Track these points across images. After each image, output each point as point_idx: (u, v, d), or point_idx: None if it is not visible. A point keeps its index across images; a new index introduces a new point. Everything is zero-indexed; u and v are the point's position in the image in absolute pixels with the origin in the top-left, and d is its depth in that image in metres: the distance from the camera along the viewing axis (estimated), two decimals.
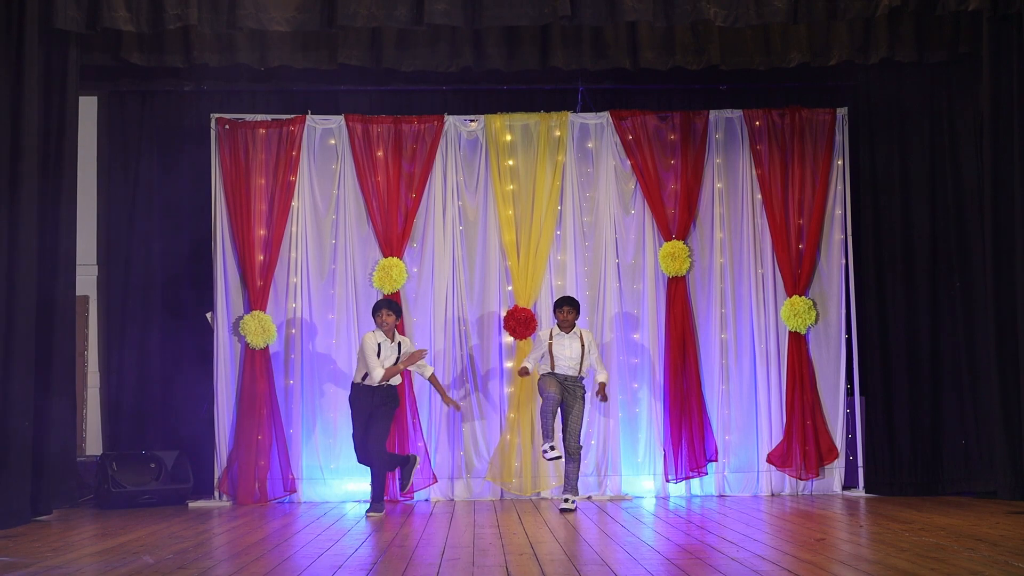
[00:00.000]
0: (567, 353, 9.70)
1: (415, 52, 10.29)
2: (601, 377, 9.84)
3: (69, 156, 9.79)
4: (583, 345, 9.72)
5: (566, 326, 9.76)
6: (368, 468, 9.63)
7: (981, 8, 9.36)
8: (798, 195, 10.70)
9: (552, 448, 9.49)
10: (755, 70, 10.54)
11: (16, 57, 9.11)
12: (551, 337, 9.77)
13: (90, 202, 11.09)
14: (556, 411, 9.64)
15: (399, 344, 9.69)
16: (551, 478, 10.46)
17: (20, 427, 8.94)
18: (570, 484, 9.64)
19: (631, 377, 10.68)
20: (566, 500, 9.52)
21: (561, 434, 9.77)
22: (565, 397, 9.67)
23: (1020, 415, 9.64)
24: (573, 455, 9.66)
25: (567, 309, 9.77)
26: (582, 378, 9.78)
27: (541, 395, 9.72)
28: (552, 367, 9.72)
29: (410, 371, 10.08)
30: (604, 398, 9.77)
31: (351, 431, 9.71)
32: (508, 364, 10.62)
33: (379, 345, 9.60)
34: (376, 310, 9.72)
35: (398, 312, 9.75)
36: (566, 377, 9.71)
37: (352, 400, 9.67)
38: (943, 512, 9.02)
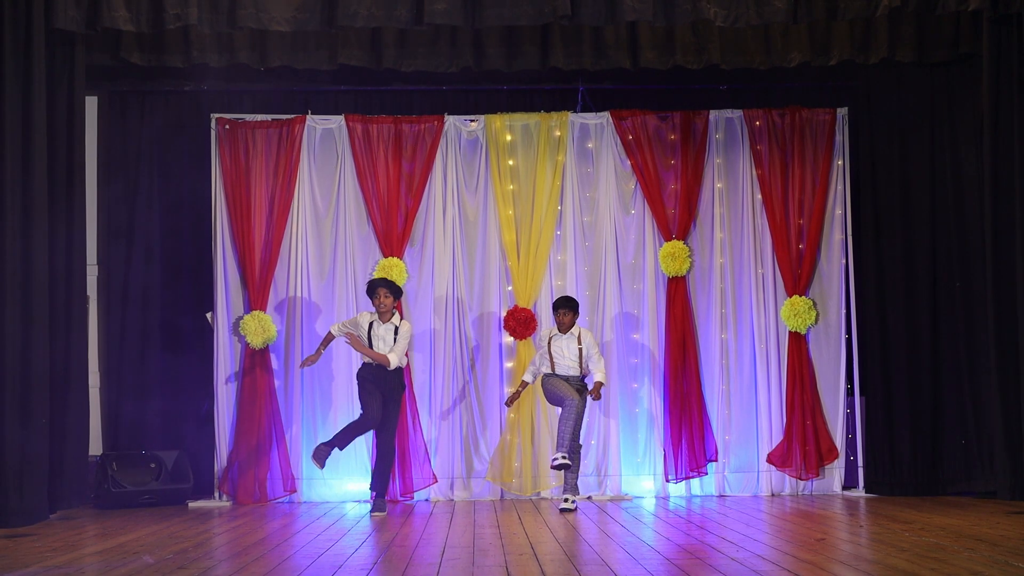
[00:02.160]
0: (565, 354, 9.69)
1: (415, 52, 10.28)
2: (598, 377, 9.78)
3: (79, 156, 9.79)
4: (581, 346, 9.72)
5: (564, 328, 9.75)
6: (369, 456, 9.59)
7: (981, 8, 9.33)
8: (798, 195, 10.69)
9: (564, 457, 9.30)
10: (755, 70, 10.51)
11: (24, 59, 9.09)
12: (550, 339, 9.75)
13: (90, 202, 11.04)
14: (581, 415, 9.60)
15: (395, 328, 9.59)
16: (551, 478, 10.44)
17: (38, 425, 8.97)
18: (569, 484, 9.62)
19: (631, 377, 10.67)
20: (566, 500, 9.50)
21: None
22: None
23: (1020, 415, 9.63)
24: (572, 455, 9.63)
25: (563, 312, 9.73)
26: (583, 377, 9.77)
27: (553, 400, 9.63)
28: (552, 369, 9.73)
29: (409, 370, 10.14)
30: (597, 396, 9.66)
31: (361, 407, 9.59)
32: (508, 364, 10.61)
33: (371, 324, 9.53)
34: (371, 290, 9.57)
35: (396, 293, 9.66)
36: (568, 377, 9.71)
37: (361, 377, 9.56)
38: (943, 512, 9.01)
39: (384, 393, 9.52)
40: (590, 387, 9.71)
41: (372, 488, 9.61)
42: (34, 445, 8.94)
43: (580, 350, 9.69)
